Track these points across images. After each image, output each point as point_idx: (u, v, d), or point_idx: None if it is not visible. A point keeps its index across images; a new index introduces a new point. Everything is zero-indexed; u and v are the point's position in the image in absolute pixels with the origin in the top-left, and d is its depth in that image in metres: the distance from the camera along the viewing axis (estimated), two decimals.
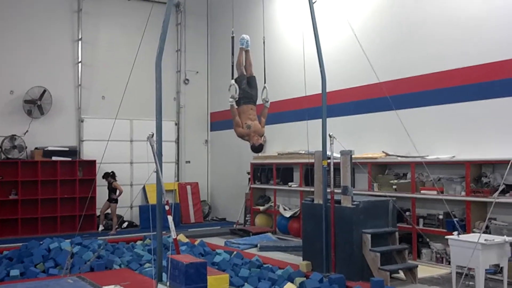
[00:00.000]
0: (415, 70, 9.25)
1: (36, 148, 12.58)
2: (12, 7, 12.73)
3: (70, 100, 13.42)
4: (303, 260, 8.18)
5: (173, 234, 6.04)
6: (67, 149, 12.96)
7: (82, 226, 10.84)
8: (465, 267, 6.23)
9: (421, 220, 8.70)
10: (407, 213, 8.67)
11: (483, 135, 8.14)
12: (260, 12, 11.67)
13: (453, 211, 7.93)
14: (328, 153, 7.87)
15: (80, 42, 13.56)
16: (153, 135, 6.22)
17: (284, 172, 11.95)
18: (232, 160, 14.24)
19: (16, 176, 12.06)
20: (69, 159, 12.82)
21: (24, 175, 12.17)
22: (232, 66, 7.89)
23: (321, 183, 7.94)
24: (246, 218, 12.95)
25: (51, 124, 12.97)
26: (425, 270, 7.84)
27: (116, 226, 12.40)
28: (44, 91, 12.65)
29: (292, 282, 7.03)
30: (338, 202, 7.67)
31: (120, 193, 12.41)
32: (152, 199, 12.77)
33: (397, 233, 7.75)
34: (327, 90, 8.20)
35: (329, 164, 7.83)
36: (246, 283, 6.93)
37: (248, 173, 13.06)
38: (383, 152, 9.51)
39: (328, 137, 7.82)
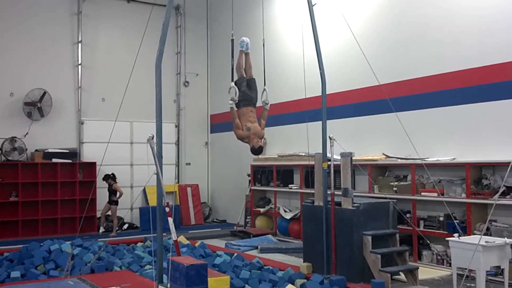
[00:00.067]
0: (415, 72, 9.25)
1: (36, 150, 12.59)
2: (12, 9, 12.75)
3: (70, 102, 13.43)
4: (304, 262, 8.18)
5: (174, 236, 6.04)
6: (67, 151, 12.96)
7: (82, 228, 10.85)
8: (465, 269, 6.23)
9: (421, 222, 8.69)
10: (408, 215, 8.67)
11: (483, 137, 8.15)
12: (260, 15, 11.68)
13: (453, 213, 7.93)
14: (328, 155, 7.88)
15: (80, 44, 13.58)
16: (153, 137, 6.22)
17: (284, 174, 11.95)
18: (232, 162, 14.25)
19: (17, 178, 12.07)
20: (69, 161, 12.82)
21: (24, 177, 12.18)
22: (232, 68, 7.90)
23: (321, 185, 7.94)
24: (247, 220, 12.95)
25: (51, 126, 12.98)
26: (425, 272, 7.84)
27: (117, 228, 12.40)
28: (44, 93, 12.66)
29: (292, 284, 7.02)
30: (339, 204, 7.67)
31: (121, 195, 12.40)
32: (153, 201, 12.76)
33: (397, 235, 7.74)
34: (327, 92, 8.20)
35: (329, 166, 7.83)
36: (246, 285, 6.93)
37: (249, 175, 13.06)
38: (383, 154, 9.51)
39: (328, 139, 7.83)
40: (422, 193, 8.61)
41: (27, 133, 12.54)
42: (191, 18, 15.43)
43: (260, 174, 12.60)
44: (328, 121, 8.10)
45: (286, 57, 12.36)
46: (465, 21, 8.47)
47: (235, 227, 12.83)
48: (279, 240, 11.22)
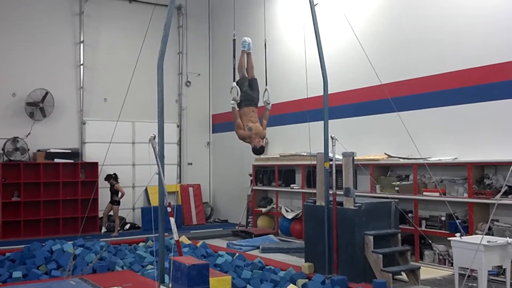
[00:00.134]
0: (417, 72, 9.25)
1: (38, 150, 12.62)
2: (14, 9, 12.78)
3: (72, 102, 13.45)
4: (305, 261, 8.17)
5: (175, 235, 6.04)
6: (69, 151, 12.98)
7: (84, 228, 10.84)
8: (467, 268, 6.22)
9: (423, 222, 8.69)
10: (410, 214, 8.66)
11: (485, 137, 8.14)
12: (262, 15, 11.69)
13: (455, 212, 7.93)
14: (330, 155, 7.87)
15: (81, 44, 13.60)
16: (155, 137, 6.23)
17: (286, 174, 11.95)
18: (234, 162, 14.25)
19: (19, 178, 12.09)
20: (71, 161, 12.84)
21: (26, 177, 12.20)
22: (234, 68, 7.90)
23: (323, 185, 7.95)
24: (248, 220, 12.96)
25: (53, 126, 13.00)
26: (427, 272, 7.83)
27: (118, 228, 12.41)
28: (46, 93, 12.68)
29: (294, 283, 7.03)
30: (340, 203, 7.66)
31: (122, 195, 12.41)
32: (154, 201, 12.77)
33: (399, 235, 7.73)
34: (329, 92, 8.21)
35: (331, 166, 7.83)
36: (248, 285, 6.93)
37: (250, 175, 13.07)
38: (385, 154, 9.50)
39: (330, 139, 7.82)
40: (424, 193, 8.60)
41: (29, 133, 12.57)
42: (192, 18, 15.44)
43: (261, 174, 12.60)
44: (329, 121, 8.10)
45: (287, 57, 12.36)
46: (466, 21, 8.46)
47: (236, 227, 12.84)
48: (280, 240, 11.22)
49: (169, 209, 6.11)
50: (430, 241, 8.20)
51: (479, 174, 8.05)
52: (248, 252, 9.69)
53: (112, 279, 7.23)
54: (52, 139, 12.89)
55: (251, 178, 12.97)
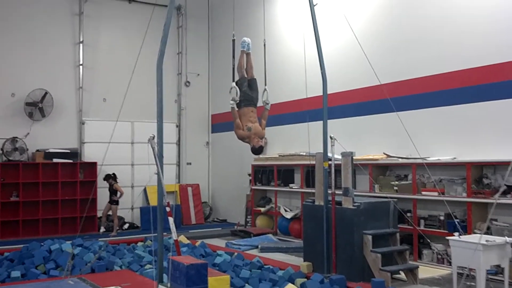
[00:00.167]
0: (416, 72, 9.26)
1: (37, 150, 12.61)
2: (13, 9, 12.77)
3: (71, 102, 13.45)
4: (304, 261, 8.18)
5: (174, 235, 6.05)
6: (68, 151, 12.98)
7: (83, 227, 10.88)
8: (466, 268, 6.23)
9: (422, 221, 8.70)
10: (408, 214, 8.66)
11: (484, 137, 8.15)
12: (261, 15, 11.70)
13: (454, 212, 7.94)
14: (329, 154, 7.88)
15: (81, 44, 13.59)
16: (154, 137, 6.23)
17: (285, 174, 11.96)
18: (233, 162, 14.26)
19: (18, 178, 12.09)
20: (70, 161, 12.84)
21: (25, 177, 12.19)
22: (233, 68, 7.91)
23: (322, 184, 7.95)
24: (247, 220, 12.96)
25: (52, 126, 13.00)
26: (426, 271, 7.84)
27: (117, 228, 12.42)
28: (46, 93, 12.68)
29: (293, 283, 7.04)
30: (339, 203, 7.67)
31: (121, 195, 12.42)
32: (153, 201, 12.79)
33: (398, 234, 7.75)
34: (328, 92, 8.22)
35: (330, 165, 7.84)
36: (247, 284, 6.93)
37: (249, 175, 13.07)
38: (384, 153, 9.51)
39: (329, 139, 7.83)
40: (423, 192, 8.61)
41: (28, 133, 12.57)
42: (192, 18, 15.45)
43: (260, 174, 12.61)
44: (329, 121, 8.11)
45: (287, 57, 12.37)
46: (465, 21, 8.47)
47: (235, 227, 12.84)
48: (279, 239, 11.23)
49: (168, 209, 6.11)
50: (428, 241, 8.21)
51: (478, 174, 8.06)
52: (247, 252, 9.69)
53: (110, 278, 7.23)
54: (51, 139, 12.88)
55: (250, 178, 12.98)
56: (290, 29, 12.35)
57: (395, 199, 8.04)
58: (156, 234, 6.36)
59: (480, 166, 8.09)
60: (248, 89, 7.75)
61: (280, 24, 12.72)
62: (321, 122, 8.08)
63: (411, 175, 8.91)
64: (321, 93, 8.18)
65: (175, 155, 14.99)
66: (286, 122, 12.29)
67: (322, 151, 8.00)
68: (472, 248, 5.94)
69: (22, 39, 12.80)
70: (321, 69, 8.15)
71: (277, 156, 12.19)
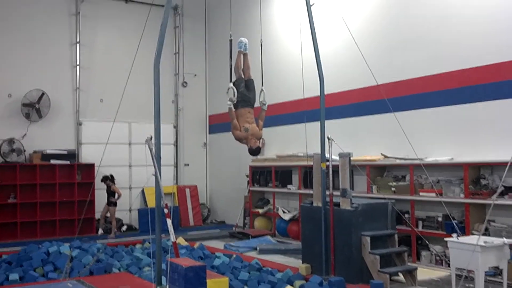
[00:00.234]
0: (413, 73, 9.26)
1: (34, 152, 12.58)
2: (10, 10, 12.74)
3: (68, 103, 13.41)
4: (303, 263, 8.17)
5: (172, 237, 6.03)
6: (66, 152, 12.94)
7: (81, 229, 10.86)
8: (464, 269, 6.23)
9: (420, 223, 8.69)
10: (406, 215, 8.67)
11: (481, 137, 8.15)
12: (258, 15, 11.68)
13: (452, 213, 7.93)
14: (327, 155, 7.87)
15: (78, 45, 13.56)
16: (151, 138, 6.22)
17: (283, 175, 11.94)
18: (231, 163, 14.24)
19: (15, 180, 12.05)
20: (68, 162, 12.81)
21: (22, 178, 12.16)
22: (230, 69, 7.89)
23: (320, 185, 7.95)
24: (245, 221, 12.95)
25: (49, 128, 12.97)
26: (424, 273, 7.84)
27: (115, 230, 12.39)
28: (42, 94, 12.64)
29: (291, 285, 7.03)
30: (337, 204, 7.67)
31: (119, 196, 12.39)
32: (151, 202, 12.75)
33: (396, 236, 7.74)
34: (325, 93, 8.21)
35: (327, 166, 7.83)
36: (245, 286, 6.93)
37: (247, 176, 13.06)
38: (381, 154, 9.51)
39: (326, 140, 7.83)
40: (421, 193, 8.61)
41: (25, 134, 12.53)
42: (189, 18, 15.43)
43: (258, 175, 12.60)
44: (326, 122, 8.11)
45: (284, 57, 12.36)
46: (463, 21, 8.47)
47: (233, 228, 12.82)
48: (278, 241, 11.21)
49: (166, 211, 6.10)
50: (427, 242, 8.21)
51: (475, 175, 8.06)
52: (245, 254, 9.68)
53: (109, 281, 7.22)
54: (48, 140, 12.85)
55: (248, 179, 12.96)
56: (287, 29, 12.34)
57: (393, 200, 8.04)
58: (154, 236, 6.34)
59: (478, 167, 8.10)
60: (245, 90, 7.74)
61: (277, 24, 12.72)
62: (319, 122, 8.07)
63: (408, 176, 8.91)
64: (318, 94, 8.17)
65: (173, 156, 14.98)
66: (283, 122, 12.28)
67: (319, 152, 7.99)
68: (471, 250, 5.94)
69: (18, 40, 12.77)
70: (318, 69, 8.15)
71: (275, 157, 12.18)
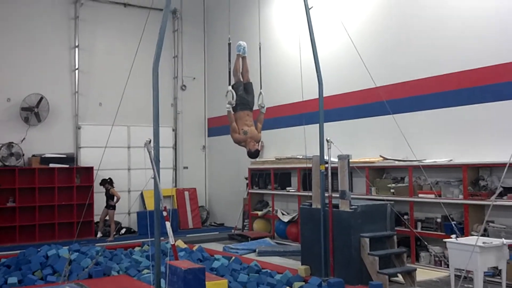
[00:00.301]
0: (412, 75, 9.28)
1: (33, 155, 12.57)
2: (9, 14, 12.75)
3: (67, 107, 13.42)
4: (302, 264, 8.17)
5: (171, 240, 6.03)
6: (65, 156, 12.95)
7: (80, 232, 10.86)
8: (463, 270, 6.24)
9: (419, 224, 8.70)
10: (405, 216, 8.68)
11: (480, 139, 8.17)
12: (257, 18, 11.71)
13: (451, 214, 7.95)
14: (326, 157, 7.89)
15: (77, 49, 13.58)
16: (150, 141, 6.22)
17: (281, 177, 11.95)
18: (230, 166, 14.25)
19: (14, 184, 12.04)
20: (67, 166, 12.81)
21: (21, 182, 12.15)
22: (229, 72, 7.91)
23: (319, 187, 7.95)
24: (244, 223, 12.95)
25: (48, 131, 12.97)
26: (423, 273, 7.84)
27: (114, 233, 12.38)
28: (41, 98, 12.65)
29: (291, 286, 7.04)
30: (336, 206, 7.67)
31: (118, 199, 12.40)
32: (150, 205, 12.75)
33: (395, 237, 7.74)
34: (324, 95, 8.22)
35: (326, 168, 7.84)
36: None
37: (246, 178, 13.07)
38: (380, 156, 9.52)
39: (325, 142, 7.84)
40: (420, 195, 8.62)
41: (24, 138, 12.53)
42: (188, 22, 15.46)
43: (257, 177, 12.60)
44: (325, 124, 8.12)
45: (283, 60, 12.38)
46: (461, 23, 8.50)
47: (233, 231, 12.83)
48: (277, 243, 11.22)
49: (164, 213, 6.09)
50: (426, 243, 8.22)
51: (474, 176, 8.07)
52: (244, 256, 9.68)
53: (108, 284, 7.21)
54: (47, 144, 12.85)
55: (247, 181, 12.97)
56: (285, 32, 12.37)
57: (392, 202, 8.05)
58: (153, 239, 6.34)
59: (476, 168, 8.11)
60: (244, 93, 7.76)
61: (276, 28, 12.74)
62: (318, 125, 8.08)
63: (407, 177, 8.92)
64: (317, 96, 8.19)
65: (172, 159, 14.98)
66: (282, 125, 12.30)
67: (318, 154, 8.00)
68: (470, 250, 5.94)
69: (17, 44, 12.78)
70: (316, 72, 8.17)
71: (274, 159, 12.19)
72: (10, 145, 12.20)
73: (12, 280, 7.35)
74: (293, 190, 11.48)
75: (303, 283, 7.15)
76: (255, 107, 7.95)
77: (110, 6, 14.21)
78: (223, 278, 6.57)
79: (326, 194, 7.79)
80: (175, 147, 15.09)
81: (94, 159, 12.29)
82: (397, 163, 9.16)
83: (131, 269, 8.10)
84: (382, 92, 8.73)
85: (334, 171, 7.95)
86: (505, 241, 6.33)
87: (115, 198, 12.34)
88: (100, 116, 13.39)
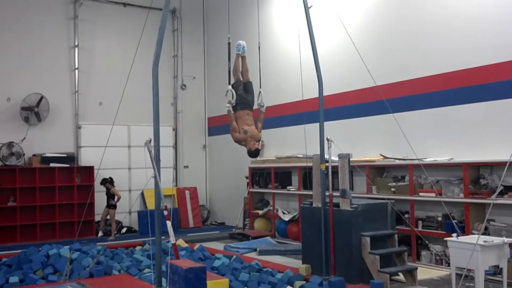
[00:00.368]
0: (412, 73, 9.27)
1: (34, 155, 12.58)
2: (8, 14, 12.75)
3: (67, 106, 13.42)
4: (303, 263, 8.18)
5: (172, 239, 6.04)
6: (65, 155, 12.96)
7: (80, 232, 10.87)
8: (464, 268, 6.24)
9: (420, 222, 8.69)
10: (406, 215, 8.68)
11: (480, 137, 8.16)
12: (256, 18, 11.70)
13: (451, 213, 7.94)
14: (326, 156, 7.89)
15: (76, 48, 13.57)
16: (150, 140, 6.23)
17: (282, 176, 11.95)
18: (230, 165, 14.25)
19: (14, 183, 12.05)
20: (67, 165, 12.82)
21: (22, 182, 12.16)
22: (229, 71, 7.92)
23: (319, 186, 7.96)
24: (245, 222, 12.95)
25: (48, 131, 12.97)
26: (424, 272, 7.84)
27: (115, 232, 12.39)
28: (41, 98, 12.65)
29: (292, 285, 7.04)
30: (337, 205, 7.68)
31: (119, 199, 12.40)
32: (151, 205, 12.75)
33: (396, 236, 7.75)
34: (324, 94, 8.22)
35: (327, 167, 7.84)
36: (245, 287, 6.92)
37: (247, 177, 13.07)
38: (381, 155, 9.52)
39: (325, 141, 7.84)
40: (420, 194, 8.62)
41: (24, 138, 12.53)
42: (187, 21, 15.44)
43: (258, 176, 12.60)
44: (325, 123, 8.12)
45: (283, 59, 12.38)
46: (461, 22, 8.49)
47: (233, 230, 12.83)
48: (277, 242, 11.22)
49: (165, 213, 6.10)
50: (426, 242, 8.22)
51: (475, 174, 8.07)
52: (245, 255, 9.68)
53: (109, 283, 7.22)
54: (48, 144, 12.86)
55: (248, 180, 12.97)
56: (285, 32, 12.36)
57: (392, 201, 8.04)
58: (154, 238, 6.35)
59: (477, 167, 8.11)
60: (243, 92, 7.77)
61: (275, 27, 12.74)
62: (318, 124, 8.08)
63: (408, 176, 8.92)
64: (317, 95, 8.19)
65: (172, 158, 14.98)
66: (282, 124, 12.29)
67: (319, 153, 8.00)
68: (470, 249, 5.94)
69: (17, 44, 12.77)
70: (316, 71, 8.17)
71: (274, 158, 12.19)
72: (10, 144, 12.20)
73: (14, 279, 7.37)
74: (293, 189, 11.48)
75: (304, 282, 7.16)
76: (255, 106, 7.95)
77: (109, 6, 14.20)
78: (224, 277, 6.58)
79: (327, 193, 7.79)
80: (175, 146, 15.10)
81: (94, 158, 12.29)
82: (397, 161, 9.15)
83: (132, 268, 8.11)
84: (382, 90, 8.72)
85: (335, 170, 7.95)
86: (506, 239, 6.33)
87: (116, 198, 12.35)
88: (100, 116, 13.39)
